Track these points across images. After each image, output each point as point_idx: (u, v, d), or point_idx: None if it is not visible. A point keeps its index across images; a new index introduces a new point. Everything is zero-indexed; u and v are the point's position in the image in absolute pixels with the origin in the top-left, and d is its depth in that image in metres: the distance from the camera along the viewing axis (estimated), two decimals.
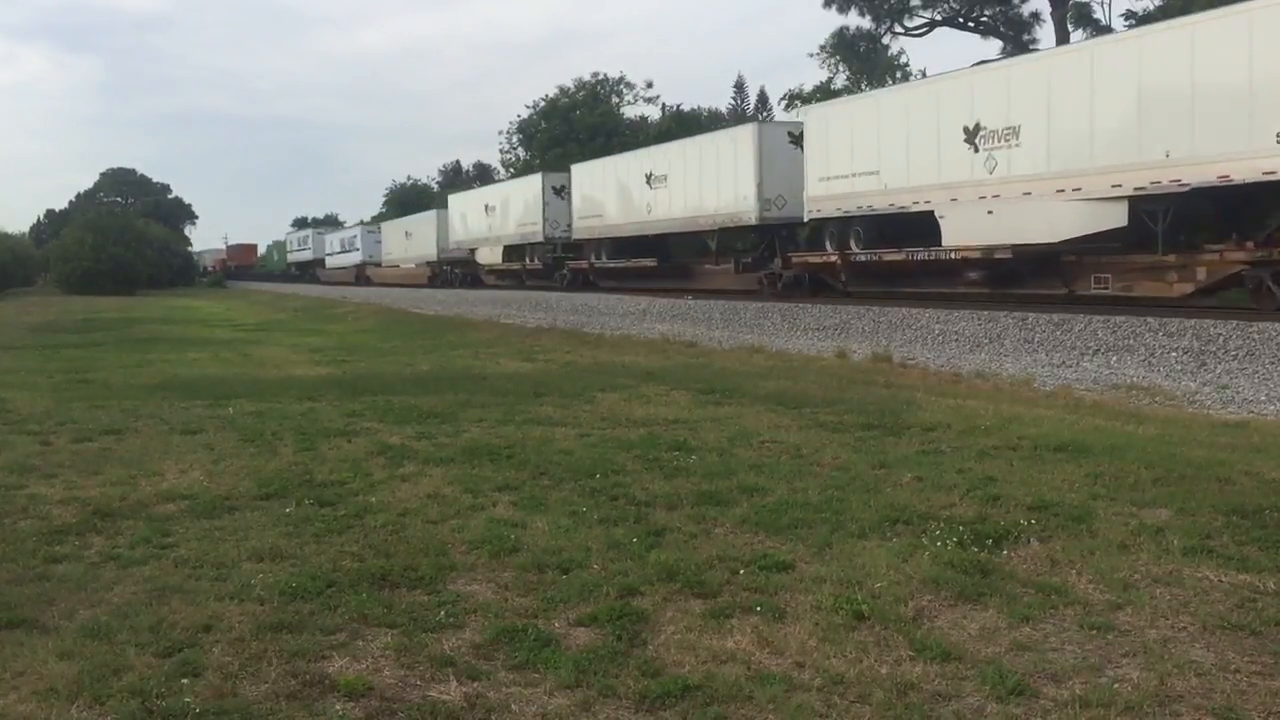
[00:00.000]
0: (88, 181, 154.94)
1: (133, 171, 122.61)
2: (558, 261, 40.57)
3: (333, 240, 79.45)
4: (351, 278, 70.23)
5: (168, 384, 13.79)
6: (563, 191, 40.09)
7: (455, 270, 52.79)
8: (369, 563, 5.39)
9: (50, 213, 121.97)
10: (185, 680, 3.97)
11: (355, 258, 70.49)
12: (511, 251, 44.69)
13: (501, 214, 45.33)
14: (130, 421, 10.20)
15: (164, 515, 6.49)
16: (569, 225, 39.55)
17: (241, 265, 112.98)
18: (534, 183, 42.59)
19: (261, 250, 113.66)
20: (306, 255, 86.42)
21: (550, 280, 41.06)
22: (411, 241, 59.44)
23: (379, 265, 66.69)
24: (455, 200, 53.62)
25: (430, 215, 57.69)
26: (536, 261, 42.27)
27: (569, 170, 40.70)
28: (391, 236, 64.73)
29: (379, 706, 3.82)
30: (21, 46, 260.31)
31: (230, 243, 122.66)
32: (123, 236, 70.16)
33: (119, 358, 18.82)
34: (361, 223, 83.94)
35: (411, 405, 11.00)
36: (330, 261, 77.90)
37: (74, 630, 4.52)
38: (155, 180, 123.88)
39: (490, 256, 47.04)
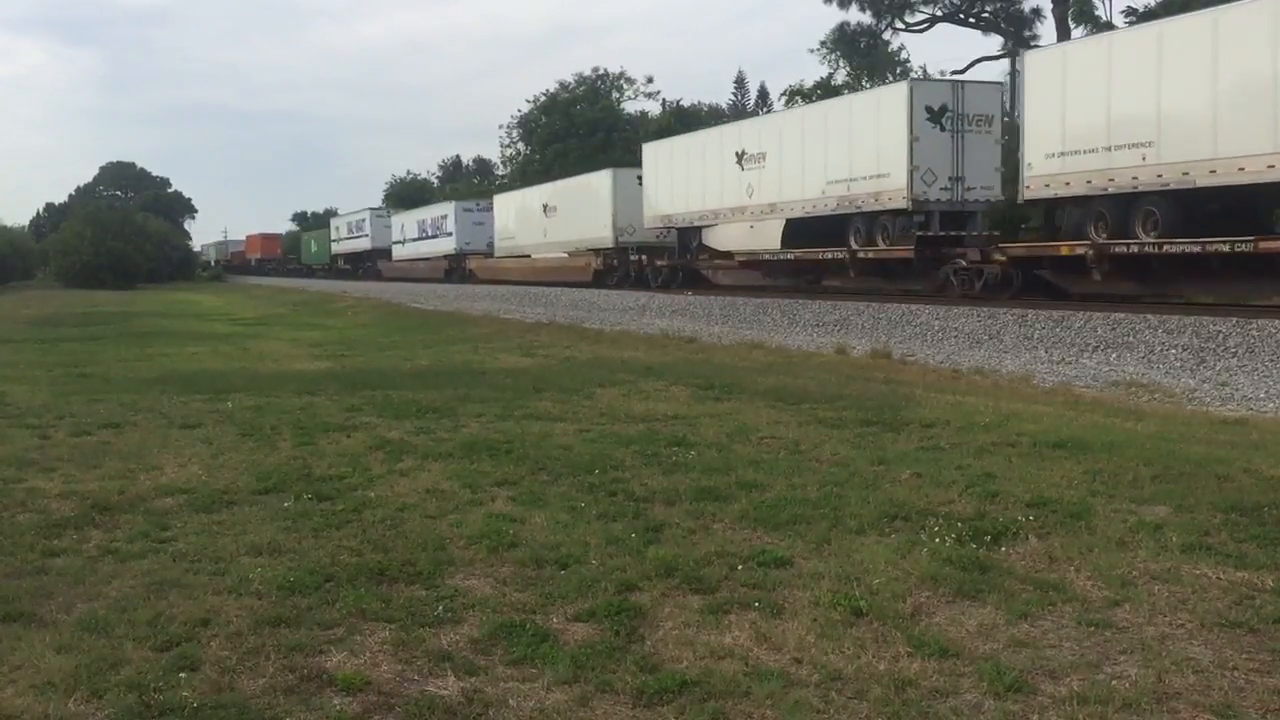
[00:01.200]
0: (87, 175, 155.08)
1: (132, 165, 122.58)
2: (925, 245, 22.06)
3: (406, 223, 59.20)
4: (439, 273, 52.25)
5: (166, 378, 13.78)
6: (944, 116, 21.90)
7: (658, 265, 32.54)
8: (367, 558, 5.38)
9: (50, 206, 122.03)
10: (183, 674, 3.97)
11: (446, 245, 52.04)
12: (804, 229, 25.17)
13: (780, 163, 25.51)
14: (129, 415, 10.20)
15: (162, 509, 6.49)
16: (955, 178, 21.91)
17: (266, 258, 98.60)
18: (885, 102, 22.91)
19: (290, 239, 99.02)
20: (361, 244, 67.33)
21: (919, 283, 23.12)
22: (559, 220, 38.67)
23: (486, 256, 47.78)
24: (657, 151, 32.35)
25: (602, 178, 35.89)
26: (883, 244, 23.11)
27: (1001, 70, 23.94)
28: (518, 214, 43.70)
29: (376, 701, 3.82)
30: (21, 39, 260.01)
31: (251, 232, 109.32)
32: (122, 230, 70.26)
33: (118, 351, 18.81)
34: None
35: (410, 400, 10.99)
36: (402, 251, 59.28)
37: (72, 624, 4.52)
38: (155, 174, 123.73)
39: (748, 239, 27.57)
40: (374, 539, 5.74)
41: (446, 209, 53.56)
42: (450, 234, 51.47)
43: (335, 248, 74.08)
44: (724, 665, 4.05)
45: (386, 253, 62.26)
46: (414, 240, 57.19)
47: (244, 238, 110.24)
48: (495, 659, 4.17)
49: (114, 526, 6.12)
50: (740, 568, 5.15)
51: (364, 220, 67.57)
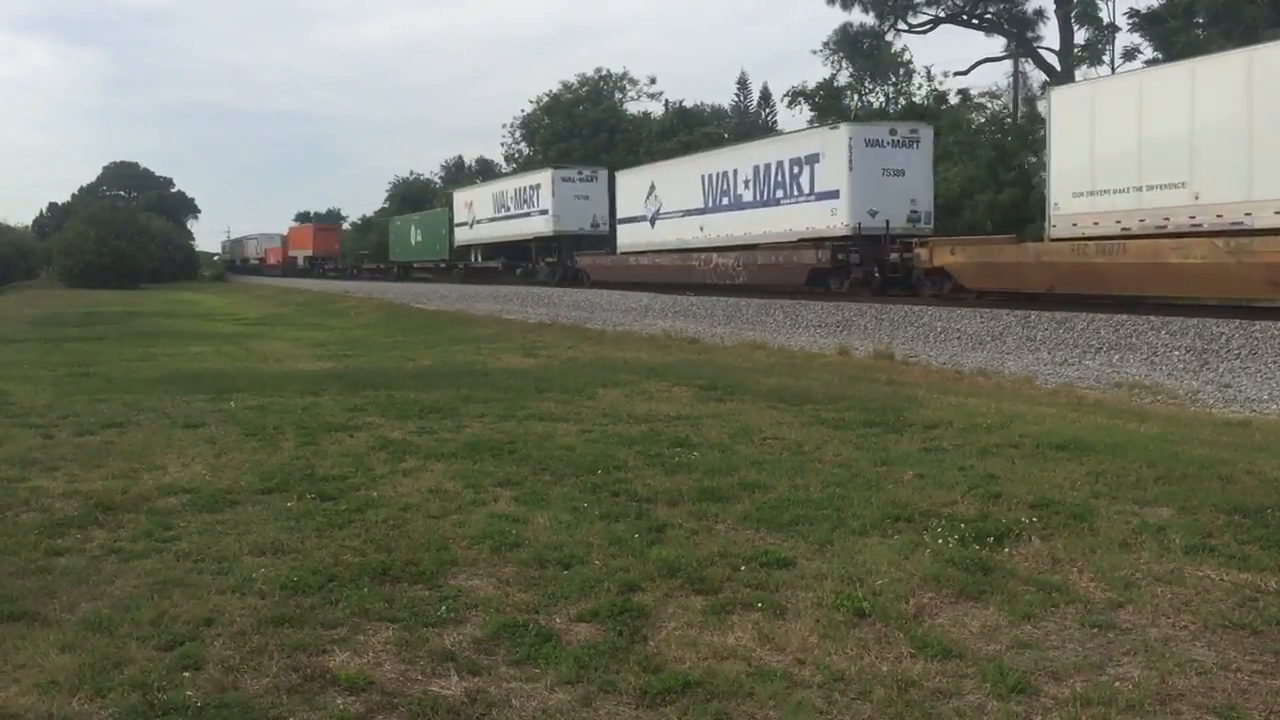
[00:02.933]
0: (90, 175, 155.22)
1: (135, 165, 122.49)
2: None
3: (661, 183, 32.65)
4: (793, 275, 26.14)
5: (170, 378, 13.80)
6: None
7: None
8: (370, 557, 5.39)
9: (53, 206, 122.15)
10: (186, 673, 3.97)
11: (815, 217, 25.06)
12: None
13: None
14: (132, 415, 10.20)
15: (166, 509, 6.50)
16: None
17: (321, 256, 76.43)
18: None
19: (368, 228, 75.28)
20: (531, 226, 40.67)
21: None
22: None
23: (969, 241, 22.46)
24: None
25: None
26: None
27: None
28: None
29: (379, 701, 3.82)
30: (25, 39, 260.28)
31: (295, 224, 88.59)
32: (125, 230, 70.31)
33: (121, 351, 18.83)
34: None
35: (413, 400, 11.00)
36: (648, 237, 33.14)
37: (75, 623, 4.52)
38: (158, 174, 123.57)
39: None
40: (377, 539, 5.75)
41: (815, 140, 25.77)
42: (828, 194, 24.49)
43: (465, 235, 48.38)
44: (727, 666, 4.05)
45: (598, 240, 38.38)
46: (687, 214, 30.65)
47: (281, 231, 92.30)
48: (498, 659, 4.17)
49: (117, 526, 6.12)
50: (743, 568, 5.15)
51: (538, 188, 40.12)
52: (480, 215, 46.82)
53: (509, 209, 43.37)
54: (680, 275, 30.97)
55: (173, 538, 5.85)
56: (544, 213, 39.61)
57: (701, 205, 30.14)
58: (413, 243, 57.50)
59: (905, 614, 4.54)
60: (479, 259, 47.61)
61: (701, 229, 30.03)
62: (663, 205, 32.43)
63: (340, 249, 76.25)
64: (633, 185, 34.89)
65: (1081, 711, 3.62)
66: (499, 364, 15.47)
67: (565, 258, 38.87)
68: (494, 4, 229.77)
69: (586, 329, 22.39)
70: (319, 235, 78.43)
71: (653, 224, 33.08)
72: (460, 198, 50.98)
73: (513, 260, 43.48)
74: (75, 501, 6.65)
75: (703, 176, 30.09)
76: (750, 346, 17.57)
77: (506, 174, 47.48)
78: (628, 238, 34.85)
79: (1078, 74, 40.53)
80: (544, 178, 40.28)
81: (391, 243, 61.24)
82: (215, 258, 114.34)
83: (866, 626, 4.41)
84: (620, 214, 35.59)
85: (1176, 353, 13.83)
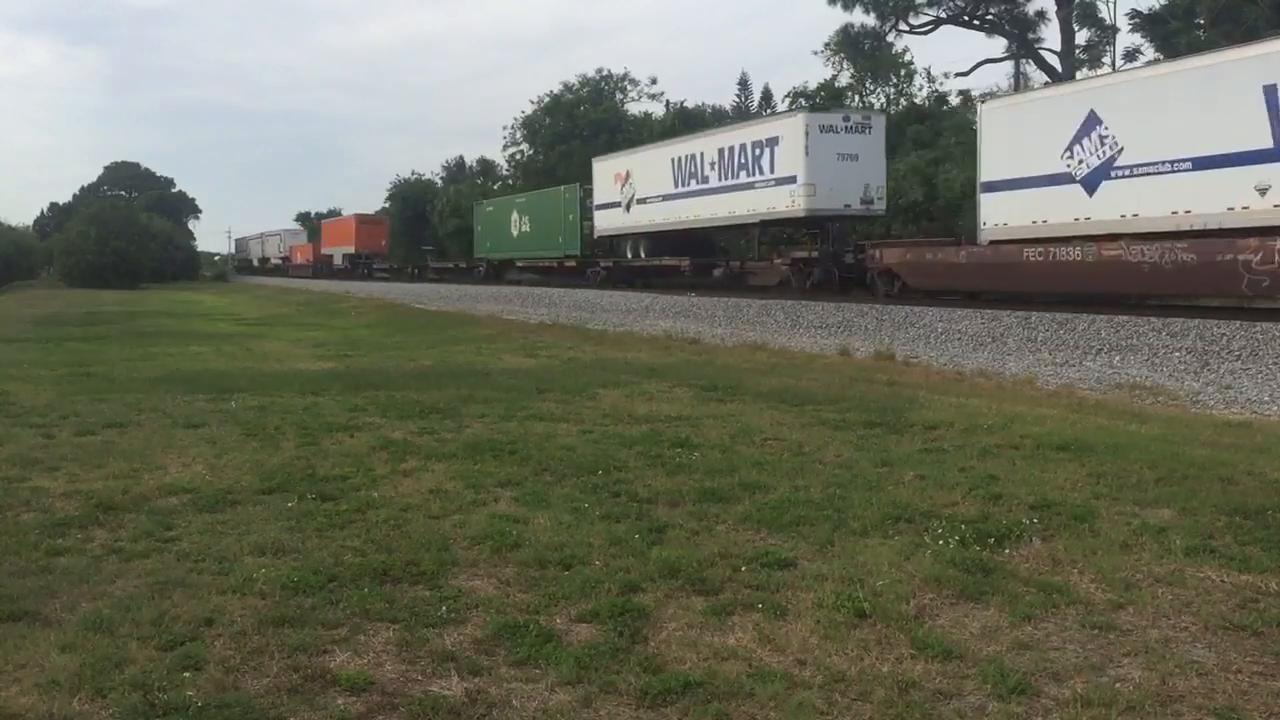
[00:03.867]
0: (92, 174, 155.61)
1: (137, 165, 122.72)
2: None
3: (1110, 113, 17.70)
4: None
5: (170, 377, 13.80)
6: None
7: None
8: (371, 558, 5.39)
9: (54, 205, 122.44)
10: (187, 673, 3.98)
11: None
12: None
13: None
14: (133, 415, 10.21)
15: (166, 509, 6.50)
16: None
17: (364, 254, 63.18)
18: None
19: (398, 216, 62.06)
20: (756, 203, 26.22)
21: None
22: None
23: None
24: None
25: None
26: None
27: None
28: None
29: (380, 701, 3.82)
30: (27, 39, 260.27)
31: (333, 218, 74.88)
32: (126, 230, 70.38)
33: (122, 351, 18.83)
34: None
35: (414, 400, 11.00)
36: (1084, 204, 18.20)
37: (76, 623, 4.52)
38: (159, 174, 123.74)
39: None
40: (378, 539, 5.75)
41: None
42: None
43: (613, 221, 34.19)
44: (727, 666, 4.05)
45: (870, 224, 28.18)
46: (1203, 166, 16.30)
47: (297, 225, 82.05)
48: (499, 659, 4.17)
49: (118, 526, 6.12)
50: (744, 569, 5.16)
51: (775, 143, 26.00)
52: (646, 191, 31.76)
53: (706, 179, 28.78)
54: (1183, 282, 16.79)
55: (173, 538, 5.85)
56: (787, 181, 25.31)
57: (1270, 144, 15.60)
58: (515, 234, 42.38)
59: (906, 615, 4.54)
60: (640, 254, 32.91)
61: (1263, 192, 15.70)
62: (1123, 151, 17.88)
63: (384, 246, 63.38)
64: (1026, 122, 20.13)
65: (1082, 712, 3.62)
66: (500, 364, 15.47)
67: (833, 250, 25.08)
68: (495, 4, 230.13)
69: (587, 329, 22.40)
70: (363, 230, 63.17)
71: (1091, 189, 18.51)
72: (606, 168, 34.94)
73: (704, 257, 30.65)
74: (76, 501, 6.66)
75: (1265, 88, 15.56)
76: (751, 347, 17.57)
77: (695, 134, 32.31)
78: (1011, 214, 20.08)
79: (1078, 75, 40.51)
80: (788, 127, 25.62)
81: (479, 234, 47.38)
82: (216, 258, 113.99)
83: (867, 627, 4.41)
84: (988, 175, 20.76)
85: (1177, 354, 13.82)
